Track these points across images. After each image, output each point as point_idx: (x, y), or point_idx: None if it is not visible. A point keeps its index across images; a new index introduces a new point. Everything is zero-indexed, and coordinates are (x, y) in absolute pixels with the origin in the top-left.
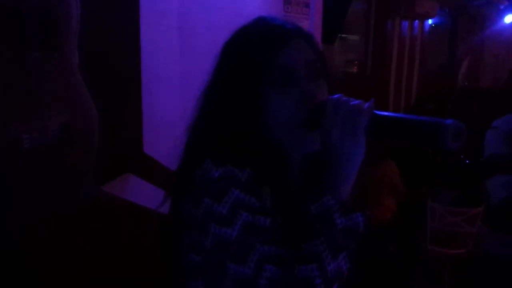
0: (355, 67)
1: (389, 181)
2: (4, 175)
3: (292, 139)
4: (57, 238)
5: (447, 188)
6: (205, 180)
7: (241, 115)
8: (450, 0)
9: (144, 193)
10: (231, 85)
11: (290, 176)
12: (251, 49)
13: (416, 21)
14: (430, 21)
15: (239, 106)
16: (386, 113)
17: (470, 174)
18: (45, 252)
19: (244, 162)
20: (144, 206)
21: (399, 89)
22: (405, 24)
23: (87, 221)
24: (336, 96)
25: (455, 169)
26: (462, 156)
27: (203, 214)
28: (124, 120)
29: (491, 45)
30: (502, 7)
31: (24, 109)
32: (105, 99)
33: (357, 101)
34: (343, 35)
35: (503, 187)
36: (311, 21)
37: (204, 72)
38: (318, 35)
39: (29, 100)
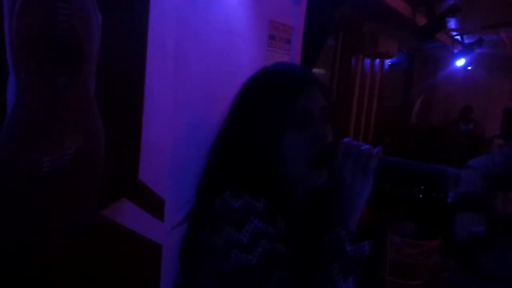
0: None
1: None
2: (24, 198)
3: (303, 173)
4: (63, 262)
5: (405, 221)
6: (226, 210)
7: (260, 149)
8: (408, 42)
9: (137, 219)
10: (253, 122)
11: (299, 207)
12: (275, 91)
13: (377, 59)
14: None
15: (258, 142)
16: (393, 158)
17: (424, 208)
18: (51, 275)
19: (260, 193)
20: (137, 232)
21: (359, 121)
22: (367, 61)
23: (88, 244)
24: (346, 139)
25: (410, 203)
26: (415, 191)
27: (225, 241)
28: (124, 145)
29: (443, 86)
30: (456, 51)
31: (47, 132)
32: (108, 124)
33: (367, 146)
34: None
35: (471, 224)
36: (292, 57)
37: (196, 102)
38: None
39: (52, 124)
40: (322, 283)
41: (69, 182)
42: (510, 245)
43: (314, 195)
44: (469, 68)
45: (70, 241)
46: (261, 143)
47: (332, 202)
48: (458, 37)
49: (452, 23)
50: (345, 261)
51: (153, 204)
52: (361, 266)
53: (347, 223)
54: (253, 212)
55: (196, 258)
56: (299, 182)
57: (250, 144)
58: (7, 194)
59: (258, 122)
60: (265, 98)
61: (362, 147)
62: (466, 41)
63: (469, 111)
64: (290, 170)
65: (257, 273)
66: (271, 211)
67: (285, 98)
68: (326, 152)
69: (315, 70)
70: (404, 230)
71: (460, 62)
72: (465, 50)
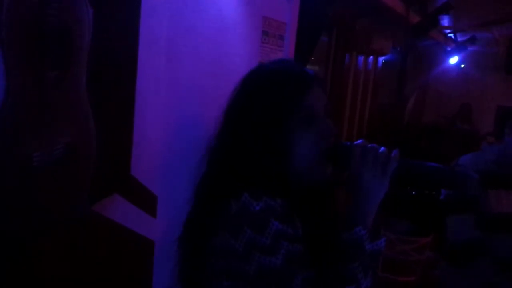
0: None
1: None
2: (14, 193)
3: (310, 170)
4: (54, 254)
5: (397, 218)
6: (246, 213)
7: (270, 149)
8: (401, 39)
9: (129, 215)
10: (261, 122)
11: (303, 203)
12: (282, 90)
13: (371, 57)
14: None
15: (268, 141)
16: (413, 161)
17: (417, 205)
18: (43, 265)
19: (275, 193)
20: (129, 228)
21: (353, 119)
22: (361, 58)
23: (79, 240)
24: (359, 142)
25: (403, 200)
26: (408, 188)
27: (245, 244)
28: (116, 140)
29: (436, 83)
30: (449, 48)
31: (37, 127)
32: (100, 119)
33: (383, 148)
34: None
35: (463, 226)
36: (285, 53)
37: (188, 97)
38: None
39: (42, 118)
40: (346, 283)
41: (59, 176)
42: (503, 244)
43: (316, 191)
44: (462, 66)
45: (61, 236)
46: (273, 142)
47: (346, 202)
48: (451, 34)
49: (445, 21)
50: (365, 258)
51: (145, 200)
52: (377, 261)
53: (366, 222)
54: (273, 213)
55: (209, 262)
56: (305, 179)
57: (256, 144)
58: None
59: (265, 122)
60: (271, 98)
61: (379, 150)
62: (459, 39)
63: (468, 110)
64: (297, 167)
65: (283, 274)
66: (288, 210)
67: (292, 97)
68: (337, 150)
69: (308, 67)
70: (397, 226)
71: (453, 60)
72: (458, 47)
